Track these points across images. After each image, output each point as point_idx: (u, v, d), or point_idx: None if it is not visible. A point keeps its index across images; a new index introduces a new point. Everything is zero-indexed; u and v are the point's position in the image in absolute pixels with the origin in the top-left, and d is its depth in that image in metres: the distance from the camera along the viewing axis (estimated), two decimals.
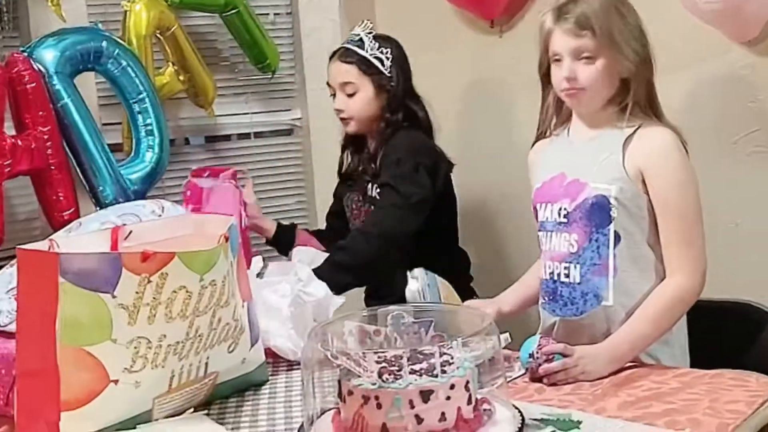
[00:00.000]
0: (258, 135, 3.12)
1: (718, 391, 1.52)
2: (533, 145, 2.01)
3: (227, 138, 3.08)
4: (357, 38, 2.36)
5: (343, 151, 2.55)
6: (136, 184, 2.47)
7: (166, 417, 1.47)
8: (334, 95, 2.40)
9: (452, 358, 1.36)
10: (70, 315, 1.35)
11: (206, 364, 1.52)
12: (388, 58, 2.35)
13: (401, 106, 2.36)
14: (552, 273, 1.85)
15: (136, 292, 1.39)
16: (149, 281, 1.40)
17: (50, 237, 1.65)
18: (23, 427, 1.37)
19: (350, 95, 2.36)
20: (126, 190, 2.42)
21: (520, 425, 1.36)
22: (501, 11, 2.84)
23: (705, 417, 1.41)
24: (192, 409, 1.52)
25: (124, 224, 1.70)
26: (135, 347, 1.40)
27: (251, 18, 2.85)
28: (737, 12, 2.21)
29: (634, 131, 1.79)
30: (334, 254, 2.17)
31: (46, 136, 2.29)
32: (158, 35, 2.68)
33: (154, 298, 1.41)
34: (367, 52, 2.34)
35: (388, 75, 2.35)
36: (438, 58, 3.04)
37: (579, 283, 1.80)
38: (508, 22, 2.88)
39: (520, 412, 1.39)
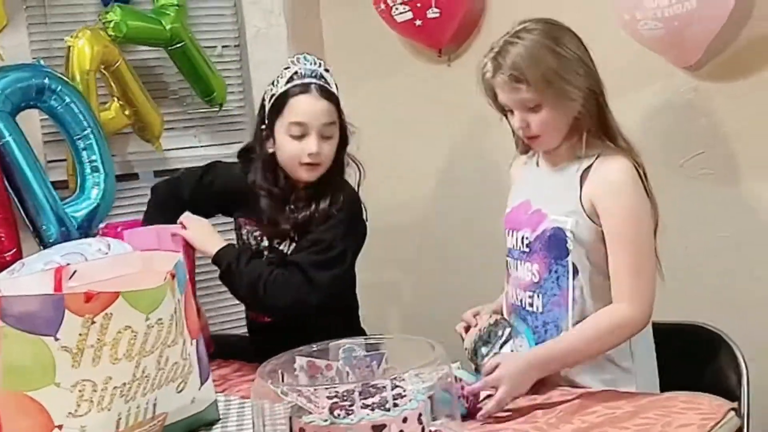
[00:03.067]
0: None
1: (671, 414, 1.52)
2: (515, 158, 2.01)
3: (176, 171, 3.04)
4: (318, 73, 2.05)
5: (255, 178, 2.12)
6: (81, 221, 2.42)
7: None
8: (300, 136, 2.02)
9: (404, 390, 1.35)
10: (12, 359, 1.31)
11: (154, 405, 1.49)
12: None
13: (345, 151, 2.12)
14: (519, 300, 1.86)
15: (80, 334, 1.36)
16: (93, 322, 1.37)
17: None
18: None
19: (327, 138, 2.04)
20: (70, 229, 2.37)
21: None
22: (448, 41, 2.86)
23: None
24: None
25: (68, 264, 1.67)
26: (80, 391, 1.36)
27: (197, 51, 2.84)
28: (678, 37, 2.25)
29: (592, 162, 1.79)
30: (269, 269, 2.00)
31: None
32: (102, 70, 2.66)
33: (98, 339, 1.37)
34: (334, 90, 2.06)
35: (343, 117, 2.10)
36: (386, 87, 3.06)
37: (542, 313, 1.81)
38: (455, 50, 2.90)
39: None
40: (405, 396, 1.34)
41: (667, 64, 2.40)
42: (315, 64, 2.07)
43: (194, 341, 1.60)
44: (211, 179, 2.25)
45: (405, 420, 1.30)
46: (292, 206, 2.08)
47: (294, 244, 2.09)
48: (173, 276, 1.52)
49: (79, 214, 2.44)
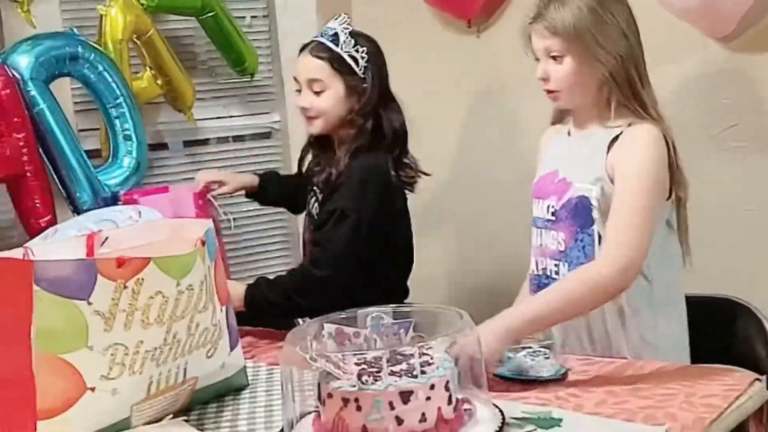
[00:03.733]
0: (237, 138, 3.11)
1: (694, 385, 1.52)
2: (548, 128, 2.00)
3: (206, 142, 3.07)
4: (332, 32, 2.14)
5: (304, 153, 2.33)
6: (115, 189, 2.45)
7: (145, 424, 1.46)
8: (299, 91, 2.17)
9: (432, 358, 1.36)
10: (45, 323, 1.33)
11: (185, 369, 1.51)
12: (363, 58, 2.13)
13: (372, 113, 2.13)
14: (544, 269, 1.86)
15: (112, 299, 1.37)
16: (125, 287, 1.38)
17: (25, 244, 1.64)
18: None
19: (317, 93, 2.13)
20: (104, 196, 2.40)
21: (500, 424, 1.35)
22: (478, 12, 2.85)
23: (682, 412, 1.41)
24: (171, 416, 1.50)
25: (101, 230, 1.69)
26: (112, 354, 1.38)
27: (229, 21, 2.84)
28: (712, 8, 2.22)
29: (622, 131, 1.77)
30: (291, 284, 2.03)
31: (21, 143, 2.27)
32: (135, 40, 2.67)
33: (130, 304, 1.39)
34: (341, 49, 2.12)
35: (362, 76, 2.12)
36: (416, 58, 3.04)
37: None
38: (485, 22, 2.89)
39: (500, 411, 1.39)
40: (432, 363, 1.35)
41: (698, 37, 2.38)
42: (336, 21, 2.16)
43: (224, 308, 1.62)
44: None
45: (432, 387, 1.30)
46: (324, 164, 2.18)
47: (316, 204, 2.18)
48: (203, 243, 1.53)
49: (112, 181, 2.47)
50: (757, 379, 1.55)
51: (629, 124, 1.77)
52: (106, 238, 1.65)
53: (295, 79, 2.18)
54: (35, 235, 1.97)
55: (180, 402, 1.53)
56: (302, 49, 2.18)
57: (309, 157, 2.31)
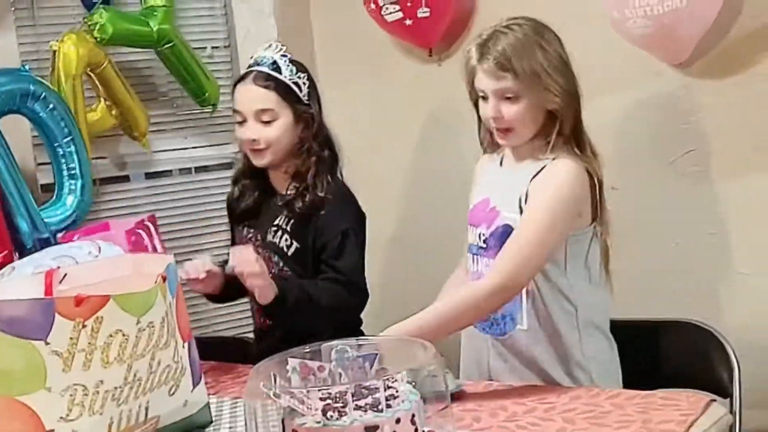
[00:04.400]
0: (199, 169, 3.09)
1: (649, 411, 1.52)
2: (482, 156, 2.03)
3: (168, 173, 3.04)
4: (270, 60, 2.09)
5: (234, 187, 2.26)
6: (57, 226, 2.39)
7: None
8: (241, 122, 2.11)
9: (397, 391, 1.35)
10: (1, 364, 1.30)
11: (146, 408, 1.48)
12: (305, 84, 2.11)
13: (323, 138, 2.13)
14: None
15: (71, 338, 1.35)
16: (84, 326, 1.36)
17: None
18: None
19: (266, 123, 2.08)
20: (44, 235, 2.34)
21: None
22: (438, 40, 2.86)
23: None
24: None
25: (59, 267, 1.66)
26: (71, 395, 1.35)
27: (188, 51, 2.83)
28: (668, 35, 2.25)
29: (547, 164, 1.80)
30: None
31: None
32: (89, 72, 2.65)
33: (89, 343, 1.36)
34: (285, 77, 2.08)
35: (306, 103, 2.11)
36: (376, 87, 3.05)
37: None
38: (446, 50, 2.90)
39: None
40: (398, 397, 1.33)
41: (656, 62, 2.41)
42: (270, 49, 2.12)
43: (186, 344, 1.60)
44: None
45: (398, 421, 1.29)
46: (278, 196, 2.15)
47: (289, 239, 2.11)
48: (164, 279, 1.51)
49: (53, 219, 2.41)
50: (713, 400, 1.56)
51: (554, 158, 1.79)
52: (65, 275, 1.62)
53: (236, 111, 2.13)
54: None
55: None
56: (240, 80, 2.14)
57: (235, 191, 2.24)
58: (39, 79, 2.43)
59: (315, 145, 2.11)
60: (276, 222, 2.14)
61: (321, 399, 1.31)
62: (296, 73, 2.10)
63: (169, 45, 2.76)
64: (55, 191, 2.48)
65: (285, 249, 2.12)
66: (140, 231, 2.08)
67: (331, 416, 1.29)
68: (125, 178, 2.97)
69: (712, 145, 2.41)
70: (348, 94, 3.00)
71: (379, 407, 1.30)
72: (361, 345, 1.45)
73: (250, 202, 2.20)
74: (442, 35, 2.85)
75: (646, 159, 2.47)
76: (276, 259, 2.13)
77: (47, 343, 1.32)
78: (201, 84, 2.88)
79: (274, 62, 2.09)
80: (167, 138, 3.00)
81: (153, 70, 2.95)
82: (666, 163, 2.46)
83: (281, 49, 2.12)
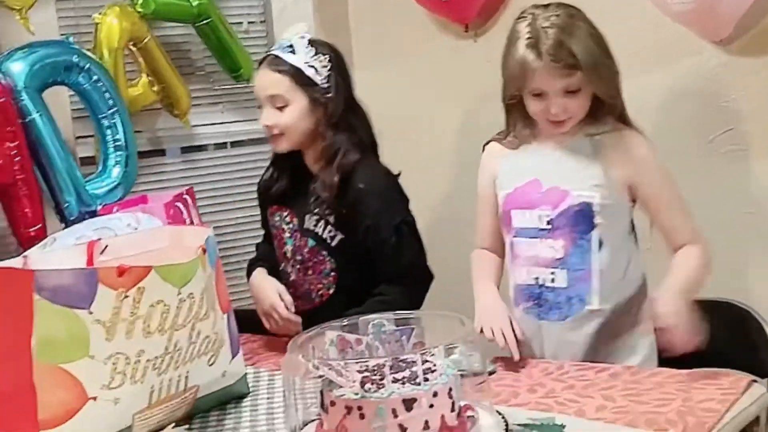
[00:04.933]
0: (235, 144, 3.10)
1: (691, 390, 1.53)
2: (485, 146, 2.01)
3: (204, 148, 3.06)
4: (287, 44, 2.05)
5: (269, 169, 2.22)
6: (102, 199, 2.43)
7: None
8: (260, 107, 2.09)
9: (434, 365, 1.36)
10: (46, 332, 1.33)
11: (186, 378, 1.50)
12: (324, 67, 2.04)
13: (342, 122, 2.05)
14: (537, 278, 1.85)
15: (113, 308, 1.37)
16: (126, 296, 1.38)
17: (24, 253, 1.63)
18: None
19: (280, 108, 2.04)
20: (91, 206, 2.38)
21: (504, 431, 1.35)
22: (474, 16, 2.84)
23: (681, 417, 1.42)
24: (173, 424, 1.50)
25: (100, 238, 1.69)
26: (113, 363, 1.38)
27: (224, 27, 2.83)
28: (709, 11, 2.22)
29: (603, 137, 1.81)
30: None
31: (14, 152, 2.25)
32: (131, 47, 2.66)
33: (131, 313, 1.39)
34: (300, 59, 2.03)
35: (325, 86, 2.04)
36: (412, 63, 3.04)
37: (565, 288, 1.81)
38: (482, 26, 2.88)
39: (503, 417, 1.39)
40: (435, 371, 1.34)
41: (695, 40, 2.38)
42: (292, 32, 2.08)
43: (225, 315, 1.62)
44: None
45: (435, 394, 1.30)
46: (312, 180, 2.09)
47: (333, 230, 2.07)
48: (204, 250, 1.53)
49: (99, 191, 2.44)
50: (754, 380, 1.55)
51: (606, 131, 1.81)
52: (106, 246, 1.65)
53: (256, 98, 2.11)
54: (26, 244, 1.96)
55: (181, 411, 1.53)
56: (259, 64, 2.11)
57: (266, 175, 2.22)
58: (83, 50, 2.45)
59: (328, 129, 2.05)
60: (315, 210, 2.09)
61: (359, 371, 1.32)
62: (314, 56, 2.05)
63: (207, 20, 2.77)
64: (102, 163, 2.51)
65: (329, 240, 2.08)
66: (178, 204, 2.10)
67: (369, 388, 1.30)
68: (161, 152, 2.99)
69: (751, 124, 2.37)
70: (383, 70, 3.00)
71: (417, 380, 1.31)
72: (398, 319, 1.46)
73: (285, 184, 2.17)
74: (479, 11, 2.83)
75: (685, 137, 2.44)
76: (313, 245, 2.09)
77: (90, 312, 1.35)
78: (236, 59, 2.88)
79: (290, 45, 2.06)
80: (204, 113, 3.01)
81: (190, 45, 2.96)
82: (704, 141, 2.44)
83: (303, 30, 2.08)
